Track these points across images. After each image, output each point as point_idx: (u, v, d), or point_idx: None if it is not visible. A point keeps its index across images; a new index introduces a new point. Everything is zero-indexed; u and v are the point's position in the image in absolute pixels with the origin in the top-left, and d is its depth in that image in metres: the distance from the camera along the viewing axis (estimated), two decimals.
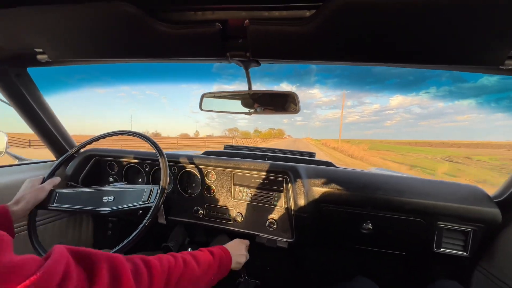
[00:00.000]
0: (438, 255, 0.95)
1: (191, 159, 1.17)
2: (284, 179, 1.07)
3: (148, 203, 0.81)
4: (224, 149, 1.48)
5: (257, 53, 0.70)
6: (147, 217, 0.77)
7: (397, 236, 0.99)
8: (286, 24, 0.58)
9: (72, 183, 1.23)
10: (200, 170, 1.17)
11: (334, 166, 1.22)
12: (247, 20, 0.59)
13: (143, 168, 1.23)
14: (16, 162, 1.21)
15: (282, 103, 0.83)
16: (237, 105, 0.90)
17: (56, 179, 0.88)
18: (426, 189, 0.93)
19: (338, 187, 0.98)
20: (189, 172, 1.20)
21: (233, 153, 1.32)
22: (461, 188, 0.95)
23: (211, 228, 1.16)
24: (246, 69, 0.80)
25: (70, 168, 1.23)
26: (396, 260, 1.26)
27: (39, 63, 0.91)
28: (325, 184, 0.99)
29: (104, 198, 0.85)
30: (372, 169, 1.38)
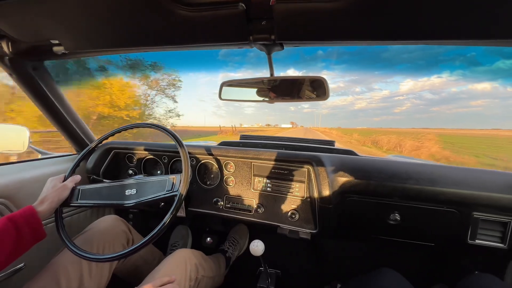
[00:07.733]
0: (472, 246, 0.90)
1: (209, 150, 1.15)
2: (306, 169, 1.03)
3: (172, 192, 0.80)
4: (240, 139, 1.45)
5: (283, 35, 0.65)
6: (174, 206, 0.76)
7: (427, 227, 0.95)
8: (316, 1, 0.53)
9: (94, 177, 1.24)
10: (218, 161, 1.16)
11: (356, 154, 1.16)
12: None
13: (161, 160, 1.22)
14: (39, 156, 1.24)
15: (308, 89, 0.78)
16: (258, 93, 0.85)
17: (77, 177, 0.88)
18: (462, 178, 0.87)
19: (364, 176, 0.93)
20: (208, 163, 1.19)
21: (249, 143, 1.30)
22: (501, 176, 0.88)
23: (230, 219, 1.16)
24: (269, 54, 0.75)
25: (90, 161, 1.25)
26: (423, 251, 1.22)
27: (55, 56, 0.89)
28: (350, 173, 0.95)
29: (126, 191, 0.84)
30: (390, 157, 1.32)
